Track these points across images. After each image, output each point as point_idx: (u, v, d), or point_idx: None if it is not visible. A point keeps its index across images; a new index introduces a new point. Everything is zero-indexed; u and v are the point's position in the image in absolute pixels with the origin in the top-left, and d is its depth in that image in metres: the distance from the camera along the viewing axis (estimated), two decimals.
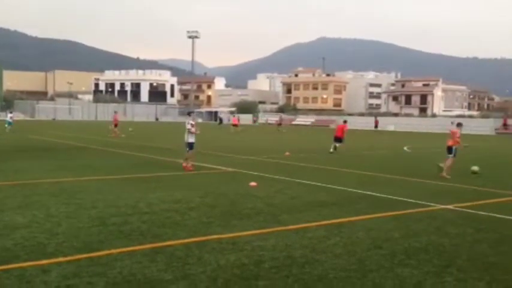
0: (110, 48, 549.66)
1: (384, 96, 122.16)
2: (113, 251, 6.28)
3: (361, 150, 24.75)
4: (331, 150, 23.83)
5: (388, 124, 68.70)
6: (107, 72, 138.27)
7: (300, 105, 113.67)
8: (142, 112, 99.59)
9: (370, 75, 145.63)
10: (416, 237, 7.42)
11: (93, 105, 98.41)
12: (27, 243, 6.59)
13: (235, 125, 48.14)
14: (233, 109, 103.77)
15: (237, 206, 9.52)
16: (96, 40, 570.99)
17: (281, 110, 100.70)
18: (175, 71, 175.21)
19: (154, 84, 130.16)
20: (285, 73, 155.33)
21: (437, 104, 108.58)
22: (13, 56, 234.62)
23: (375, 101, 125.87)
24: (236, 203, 9.84)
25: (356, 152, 23.84)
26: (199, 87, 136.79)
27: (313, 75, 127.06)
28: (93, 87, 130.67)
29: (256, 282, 5.35)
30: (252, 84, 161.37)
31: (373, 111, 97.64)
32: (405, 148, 29.62)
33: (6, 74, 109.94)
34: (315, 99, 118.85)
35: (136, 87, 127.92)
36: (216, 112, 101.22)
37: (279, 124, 59.99)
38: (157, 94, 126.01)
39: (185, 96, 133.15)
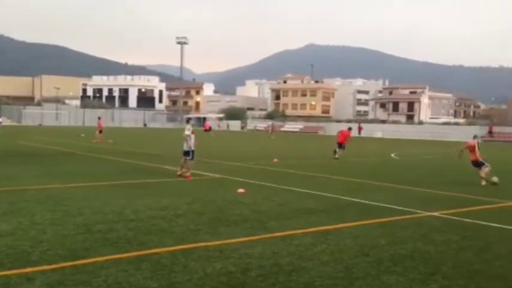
0: (98, 53, 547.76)
1: (371, 103, 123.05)
2: (98, 258, 6.23)
3: (348, 157, 24.86)
4: (336, 156, 24.44)
5: (376, 131, 69.15)
6: (94, 77, 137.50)
7: (289, 111, 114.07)
8: (130, 118, 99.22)
9: (358, 82, 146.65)
10: (402, 245, 7.46)
11: (80, 110, 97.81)
12: (11, 251, 6.51)
13: (206, 131, 48.09)
14: (221, 115, 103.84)
15: (225, 213, 9.50)
16: (84, 45, 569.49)
17: (270, 116, 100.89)
18: (163, 76, 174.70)
19: (143, 89, 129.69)
20: (273, 79, 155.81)
21: (424, 112, 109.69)
22: None
23: (362, 108, 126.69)
24: (224, 210, 9.82)
25: (344, 159, 23.94)
26: (187, 93, 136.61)
27: (302, 81, 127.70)
28: (80, 93, 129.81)
29: None
30: (240, 91, 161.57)
31: (360, 118, 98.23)
32: (393, 155, 29.81)
33: None
34: (303, 105, 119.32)
35: (124, 92, 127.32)
36: (204, 118, 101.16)
37: (272, 131, 60.78)
38: (146, 100, 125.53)
39: (174, 102, 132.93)
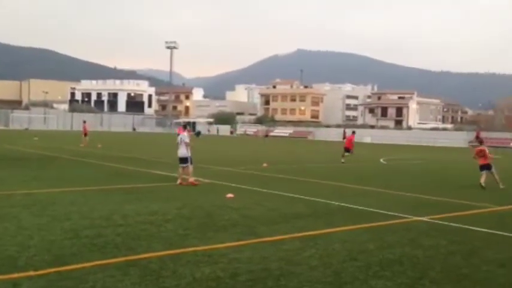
0: (87, 57, 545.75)
1: (360, 108, 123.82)
2: (86, 264, 6.17)
3: (338, 162, 24.96)
4: (343, 160, 24.89)
5: (365, 136, 69.50)
6: (83, 81, 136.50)
7: (278, 116, 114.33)
8: (119, 122, 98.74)
9: (347, 88, 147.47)
10: (390, 249, 7.49)
11: (68, 114, 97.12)
12: None
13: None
14: (211, 120, 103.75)
15: (214, 218, 9.47)
16: (72, 49, 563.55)
17: (259, 121, 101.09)
18: (153, 81, 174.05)
19: (132, 94, 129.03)
20: (263, 84, 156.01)
21: (412, 117, 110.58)
22: None
23: (351, 113, 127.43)
24: (213, 215, 9.79)
25: (333, 164, 24.03)
26: (177, 97, 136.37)
27: (291, 86, 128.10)
28: (69, 97, 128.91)
29: None
30: (230, 95, 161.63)
31: (349, 123, 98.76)
32: (381, 160, 29.98)
33: None
34: (292, 110, 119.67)
35: (113, 97, 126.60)
36: (194, 123, 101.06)
37: (266, 136, 61.79)
38: (135, 104, 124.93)
39: (163, 106, 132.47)
